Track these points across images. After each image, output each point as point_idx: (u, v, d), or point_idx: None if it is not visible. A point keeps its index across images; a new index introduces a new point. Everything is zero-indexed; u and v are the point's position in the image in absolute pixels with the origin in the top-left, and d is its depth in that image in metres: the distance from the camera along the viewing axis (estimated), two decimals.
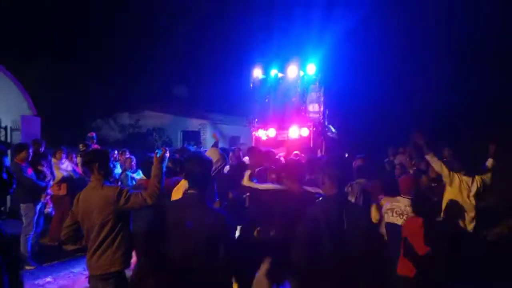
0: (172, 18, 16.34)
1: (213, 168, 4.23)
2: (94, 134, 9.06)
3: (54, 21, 14.65)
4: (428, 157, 5.39)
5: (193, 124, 16.27)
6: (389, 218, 4.40)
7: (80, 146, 8.17)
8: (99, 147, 8.97)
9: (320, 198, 3.01)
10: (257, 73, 10.89)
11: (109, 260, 3.27)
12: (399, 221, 4.31)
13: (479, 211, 5.20)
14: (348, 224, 2.71)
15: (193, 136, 15.68)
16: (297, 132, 10.06)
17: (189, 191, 2.91)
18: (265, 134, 10.63)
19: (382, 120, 12.34)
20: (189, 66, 16.39)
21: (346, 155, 11.29)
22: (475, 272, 4.79)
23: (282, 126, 10.40)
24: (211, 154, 4.56)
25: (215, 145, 6.85)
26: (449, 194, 5.24)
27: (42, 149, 6.89)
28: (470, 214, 5.11)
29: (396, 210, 4.39)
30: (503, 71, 10.60)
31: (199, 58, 16.17)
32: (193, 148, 10.19)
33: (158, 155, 3.44)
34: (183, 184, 4.74)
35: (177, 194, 4.67)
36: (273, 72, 10.80)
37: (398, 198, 4.48)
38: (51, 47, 14.93)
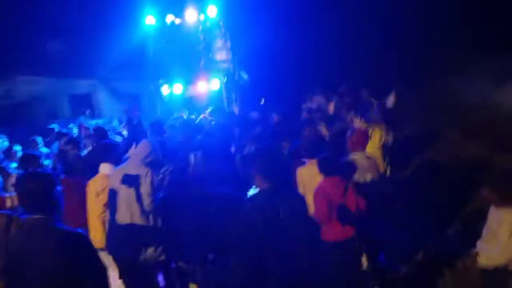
0: None
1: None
2: None
3: None
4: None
5: (81, 86, 14.72)
6: None
7: None
8: None
9: (252, 194, 3.08)
10: (150, 20, 9.99)
11: None
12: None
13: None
14: (285, 217, 2.75)
15: (84, 101, 14.28)
16: (206, 85, 9.64)
17: (32, 217, 2.55)
18: (170, 90, 10.03)
19: (295, 60, 12.34)
20: (67, 16, 14.47)
21: (262, 102, 11.30)
22: None
23: (188, 80, 9.88)
24: (141, 147, 4.06)
25: (135, 129, 5.99)
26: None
27: None
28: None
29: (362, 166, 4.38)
30: None
31: (80, 6, 14.29)
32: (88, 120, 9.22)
33: None
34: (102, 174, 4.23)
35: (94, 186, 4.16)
36: (169, 18, 10.00)
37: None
38: None
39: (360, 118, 5.48)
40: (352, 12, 12.16)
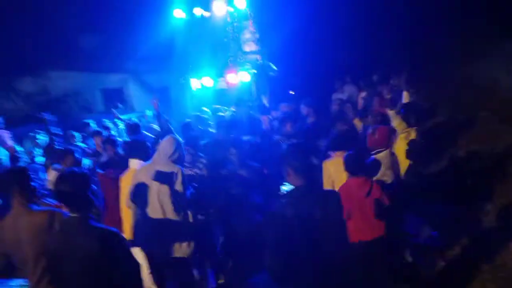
0: None
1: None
2: (1, 118, 8.02)
3: None
4: (390, 112, 5.38)
5: (113, 80, 15.07)
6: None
7: None
8: (8, 133, 8.01)
9: (287, 191, 2.97)
10: (178, 13, 10.09)
11: None
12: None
13: None
14: (322, 214, 2.71)
15: (116, 95, 14.63)
16: (236, 78, 9.68)
17: (69, 216, 2.67)
18: (200, 83, 10.14)
19: (325, 49, 12.20)
20: (98, 11, 14.78)
21: (292, 93, 11.25)
22: None
23: (218, 73, 9.95)
24: (166, 144, 4.16)
25: (162, 125, 6.01)
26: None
27: None
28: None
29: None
30: None
31: (109, 1, 14.57)
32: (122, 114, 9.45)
33: None
34: (132, 169, 4.38)
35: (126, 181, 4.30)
36: (197, 11, 10.07)
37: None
38: None
39: (392, 110, 5.40)
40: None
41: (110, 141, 5.61)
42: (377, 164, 4.17)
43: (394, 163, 4.41)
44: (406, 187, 4.46)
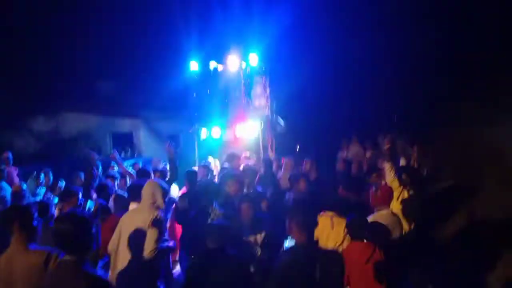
0: (91, 4, 15.20)
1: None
2: (9, 154, 8.22)
3: None
4: (386, 165, 5.38)
5: (124, 124, 15.49)
6: None
7: None
8: (15, 169, 8.19)
9: (289, 247, 2.99)
10: (193, 66, 10.52)
11: None
12: None
13: None
14: (322, 274, 2.72)
15: (125, 139, 14.95)
16: (244, 130, 9.90)
17: (64, 258, 2.60)
18: (208, 134, 10.36)
19: (332, 109, 12.56)
20: (114, 59, 15.43)
21: (298, 148, 11.45)
22: None
23: (227, 125, 10.20)
24: (151, 189, 4.25)
25: (173, 171, 6.11)
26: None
27: None
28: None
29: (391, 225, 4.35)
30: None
31: (126, 50, 15.24)
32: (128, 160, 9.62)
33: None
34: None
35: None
36: (212, 64, 10.49)
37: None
38: None
39: (394, 171, 5.40)
40: (389, 61, 12.36)
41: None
42: (381, 229, 4.16)
43: (395, 222, 4.43)
44: (408, 246, 4.44)
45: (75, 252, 2.57)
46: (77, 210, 2.96)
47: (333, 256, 3.06)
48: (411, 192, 5.12)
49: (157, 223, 4.02)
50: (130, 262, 3.98)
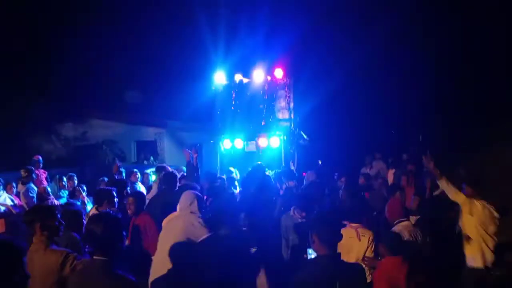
0: (122, 17, 15.71)
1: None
2: (39, 158, 8.55)
3: None
4: (441, 183, 4.88)
5: (149, 133, 15.82)
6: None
7: (22, 172, 7.63)
8: (45, 172, 8.49)
9: (309, 258, 2.91)
10: (219, 78, 10.72)
11: None
12: None
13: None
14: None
15: (149, 147, 15.26)
16: (266, 142, 10.00)
17: (94, 257, 2.65)
18: (231, 145, 10.49)
19: (355, 124, 12.56)
20: (141, 68, 15.84)
21: (320, 162, 11.46)
22: None
23: (249, 136, 10.31)
24: (187, 198, 4.37)
25: (190, 174, 6.13)
26: (470, 223, 4.73)
27: None
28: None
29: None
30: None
31: (153, 60, 15.63)
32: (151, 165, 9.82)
33: None
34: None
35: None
36: (238, 77, 10.67)
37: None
38: None
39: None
40: (415, 80, 12.34)
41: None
42: (414, 246, 4.16)
43: (417, 236, 4.41)
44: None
45: (106, 252, 2.59)
46: (109, 211, 3.00)
47: (356, 269, 2.93)
48: (483, 202, 4.71)
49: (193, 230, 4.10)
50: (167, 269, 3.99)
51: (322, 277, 2.65)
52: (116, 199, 4.60)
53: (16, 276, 1.96)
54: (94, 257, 2.62)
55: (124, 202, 5.20)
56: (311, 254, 2.94)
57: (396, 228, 4.37)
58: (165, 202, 5.06)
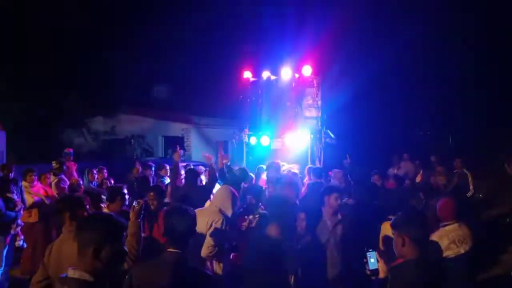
0: (152, 14, 15.93)
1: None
2: (71, 150, 8.75)
3: (12, 26, 14.07)
4: None
5: (176, 128, 15.95)
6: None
7: (54, 163, 7.80)
8: (75, 165, 8.67)
9: (398, 263, 2.61)
10: (247, 75, 10.69)
11: None
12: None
13: None
14: None
15: (176, 142, 15.35)
16: (293, 140, 9.91)
17: (168, 250, 2.71)
18: (257, 141, 10.46)
19: (383, 123, 12.33)
20: (170, 65, 16.03)
21: (348, 160, 11.28)
22: None
23: (276, 133, 10.25)
24: (221, 194, 4.32)
25: (221, 174, 6.00)
26: None
27: (11, 175, 6.55)
28: None
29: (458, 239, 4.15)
30: None
31: (181, 56, 15.79)
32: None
33: (135, 209, 3.25)
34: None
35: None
36: (265, 74, 10.62)
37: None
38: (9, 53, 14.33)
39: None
40: (447, 82, 12.03)
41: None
42: None
43: (466, 235, 4.18)
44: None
45: (181, 246, 2.69)
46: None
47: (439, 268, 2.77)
48: None
49: (217, 227, 4.04)
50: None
51: (415, 282, 2.46)
52: (127, 196, 4.60)
53: (118, 244, 2.05)
54: (169, 249, 2.70)
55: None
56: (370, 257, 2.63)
57: (440, 232, 4.15)
58: (184, 197, 4.99)
